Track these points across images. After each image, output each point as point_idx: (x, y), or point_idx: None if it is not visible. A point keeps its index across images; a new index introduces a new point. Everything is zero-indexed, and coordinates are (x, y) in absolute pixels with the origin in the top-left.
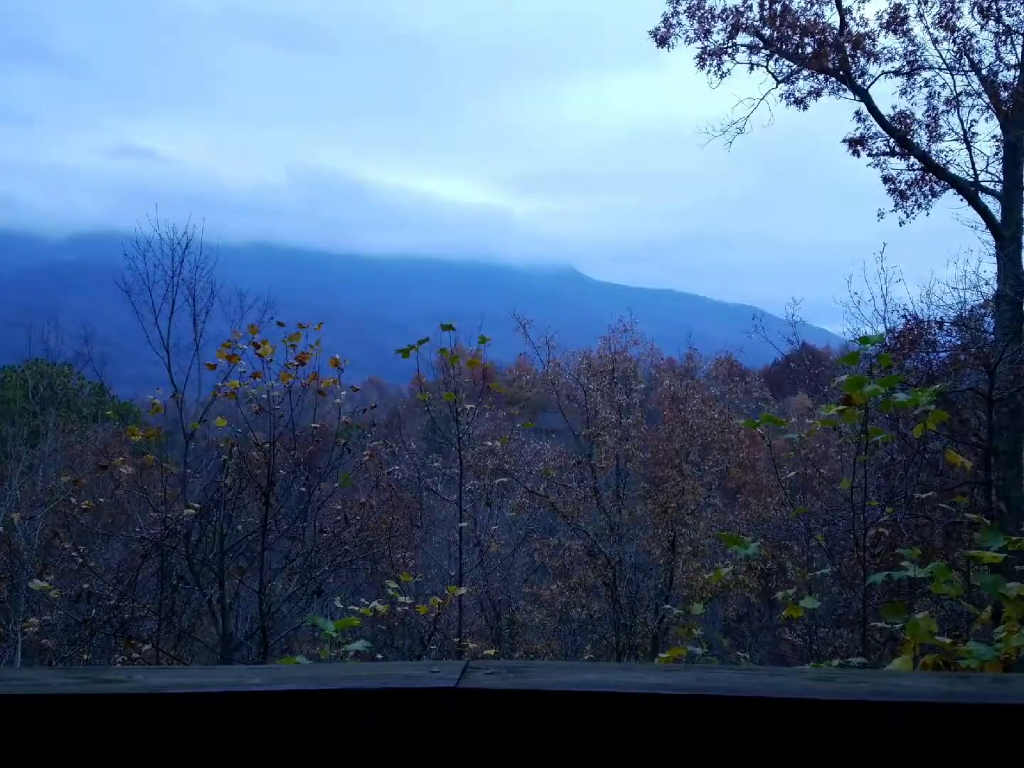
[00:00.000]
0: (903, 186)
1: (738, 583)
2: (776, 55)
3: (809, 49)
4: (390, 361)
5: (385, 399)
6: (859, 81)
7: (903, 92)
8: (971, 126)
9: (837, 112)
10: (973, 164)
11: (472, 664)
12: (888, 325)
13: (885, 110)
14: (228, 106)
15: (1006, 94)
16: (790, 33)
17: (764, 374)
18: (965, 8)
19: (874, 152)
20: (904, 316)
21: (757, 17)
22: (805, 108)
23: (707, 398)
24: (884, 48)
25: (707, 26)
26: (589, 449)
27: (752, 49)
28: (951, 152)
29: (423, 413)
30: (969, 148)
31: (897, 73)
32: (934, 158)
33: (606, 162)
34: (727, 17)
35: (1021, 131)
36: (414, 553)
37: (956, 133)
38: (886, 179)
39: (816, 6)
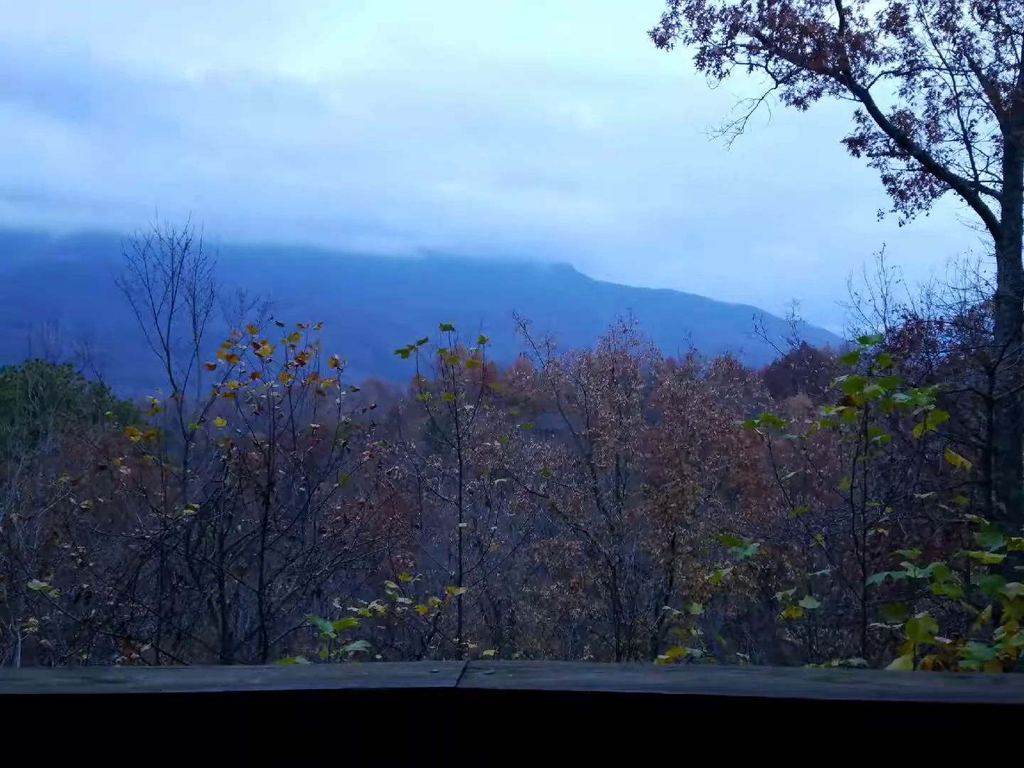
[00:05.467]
0: (903, 186)
1: (738, 583)
2: (776, 55)
3: (809, 49)
4: (390, 361)
5: (385, 399)
6: (859, 81)
7: (903, 92)
8: (971, 126)
9: (837, 112)
10: (973, 164)
11: (472, 664)
12: (888, 325)
13: (885, 110)
14: None
15: (1006, 94)
16: (790, 33)
17: (764, 374)
18: (965, 8)
19: (874, 152)
20: (904, 316)
21: (756, 17)
22: (805, 108)
23: (707, 398)
24: (884, 48)
25: (706, 26)
26: (589, 449)
27: (751, 49)
28: (951, 152)
29: (423, 413)
30: (969, 148)
31: (897, 73)
32: (934, 158)
33: (606, 158)
34: (726, 17)
35: (1021, 131)
36: (414, 553)
37: (956, 133)
38: (886, 179)
39: (816, 6)
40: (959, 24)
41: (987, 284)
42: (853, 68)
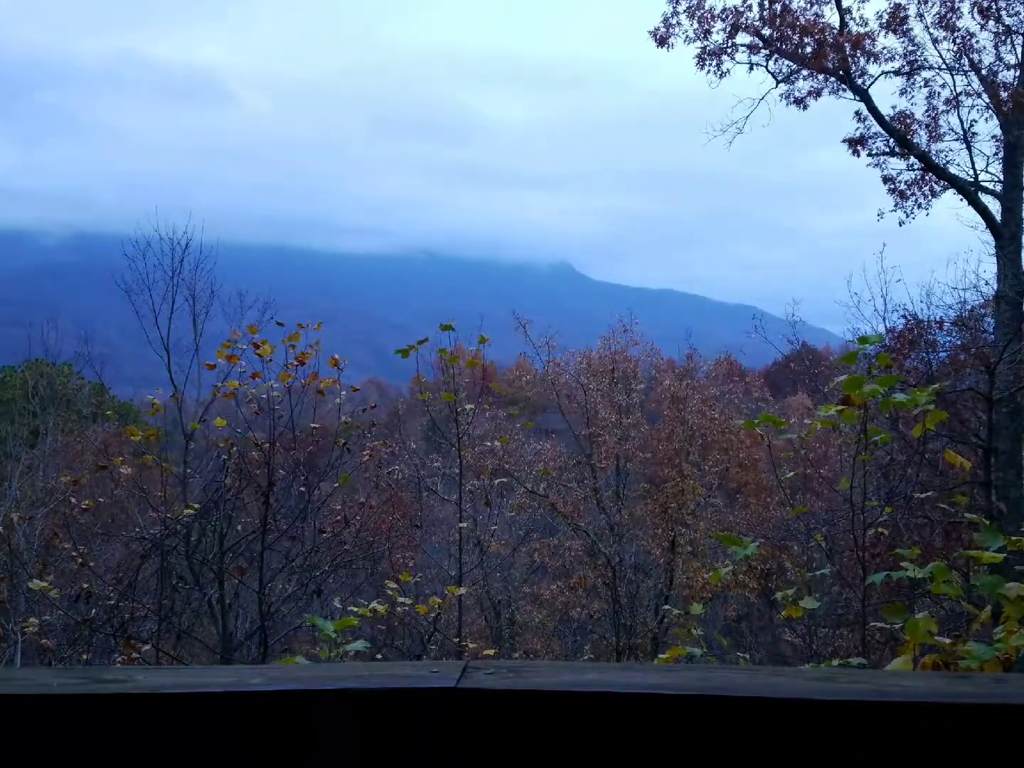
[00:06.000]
0: (903, 186)
1: (738, 583)
2: (776, 55)
3: (809, 49)
4: (390, 361)
5: (385, 399)
6: (859, 81)
7: (903, 92)
8: (971, 126)
9: (837, 112)
10: (973, 164)
11: (472, 664)
12: (888, 325)
13: (885, 110)
14: None
15: (1006, 94)
16: (790, 33)
17: (764, 374)
18: (965, 8)
19: (874, 152)
20: (904, 316)
21: (757, 17)
22: (805, 108)
23: (707, 398)
24: (884, 48)
25: (707, 26)
26: (589, 449)
27: (752, 49)
28: (951, 152)
29: (423, 413)
30: (969, 148)
31: (897, 73)
32: (934, 158)
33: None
34: (727, 17)
35: (1021, 131)
36: (414, 553)
37: (956, 133)
38: (886, 179)
39: (816, 6)
40: (959, 24)
41: (987, 284)
42: (853, 68)
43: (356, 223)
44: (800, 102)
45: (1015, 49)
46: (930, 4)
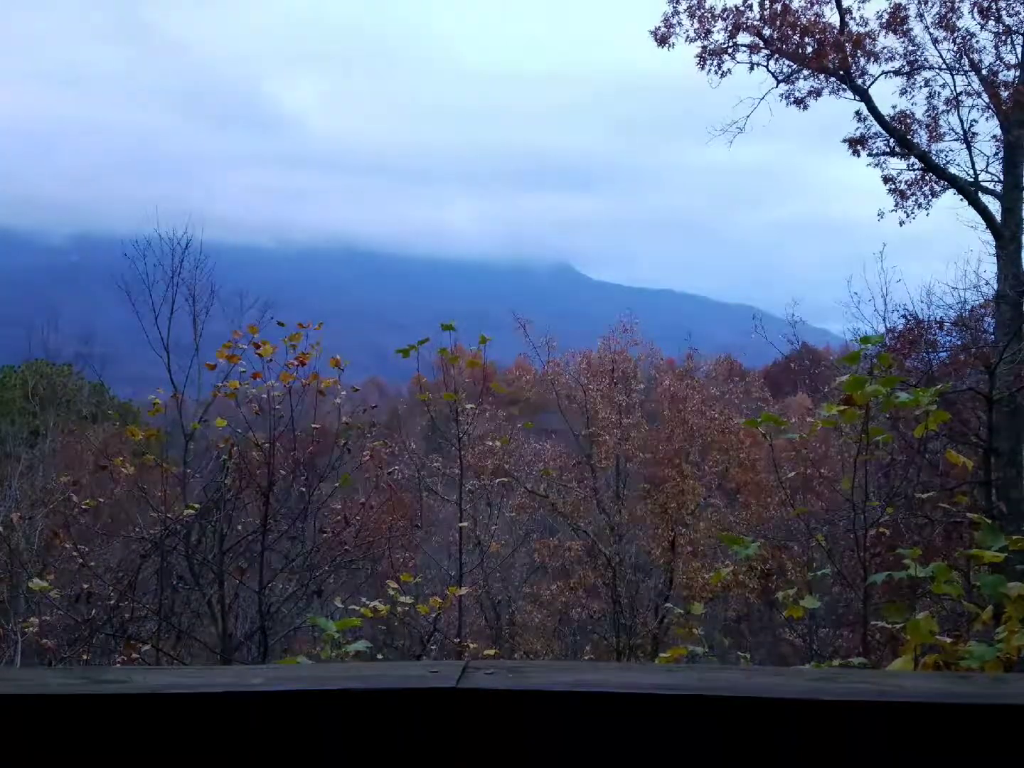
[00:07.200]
0: (903, 186)
1: (738, 583)
2: (776, 55)
3: (809, 49)
4: (390, 361)
5: (385, 399)
6: (859, 81)
7: (903, 92)
8: (971, 126)
9: (837, 112)
10: (973, 164)
11: (472, 664)
12: (888, 325)
13: (885, 110)
14: None
15: (1006, 94)
16: (790, 33)
17: (764, 374)
18: (965, 8)
19: (874, 152)
20: (904, 316)
21: (757, 17)
22: (805, 108)
23: (707, 398)
24: (884, 48)
25: (707, 26)
26: (589, 449)
27: (752, 49)
28: (951, 152)
29: (423, 413)
30: (969, 148)
31: (897, 73)
32: (934, 158)
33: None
34: (727, 17)
35: (1021, 131)
36: (414, 553)
37: (956, 133)
38: (886, 179)
39: (816, 6)
40: (959, 24)
41: (987, 284)
42: (853, 68)
43: (243, 218)
44: (800, 102)
45: (1015, 49)
46: (930, 4)
